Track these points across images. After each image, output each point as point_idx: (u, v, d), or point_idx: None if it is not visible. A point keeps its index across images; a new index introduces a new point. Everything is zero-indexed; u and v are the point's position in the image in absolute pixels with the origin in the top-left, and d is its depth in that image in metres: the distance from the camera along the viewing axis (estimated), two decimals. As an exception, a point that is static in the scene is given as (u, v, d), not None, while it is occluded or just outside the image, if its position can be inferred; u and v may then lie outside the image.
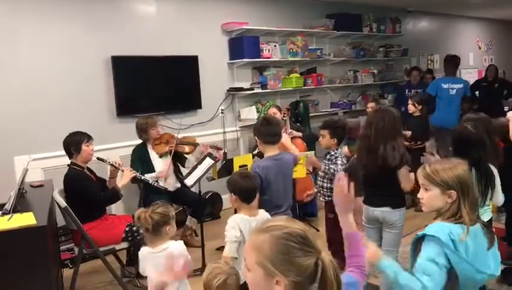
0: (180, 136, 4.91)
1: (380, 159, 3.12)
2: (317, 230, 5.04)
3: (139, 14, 5.36)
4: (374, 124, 3.18)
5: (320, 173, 3.94)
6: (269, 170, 3.25)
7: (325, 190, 3.88)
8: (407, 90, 7.52)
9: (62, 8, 4.76)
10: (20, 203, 3.22)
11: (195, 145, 4.89)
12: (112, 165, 4.12)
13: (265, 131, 3.34)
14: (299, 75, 6.72)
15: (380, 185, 3.24)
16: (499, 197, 2.97)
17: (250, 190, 2.89)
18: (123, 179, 4.02)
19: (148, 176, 4.54)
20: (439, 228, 1.94)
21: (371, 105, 5.82)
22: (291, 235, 1.33)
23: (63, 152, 3.93)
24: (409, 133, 5.31)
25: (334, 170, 3.72)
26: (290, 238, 1.32)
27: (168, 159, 4.78)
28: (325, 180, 3.86)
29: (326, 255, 1.32)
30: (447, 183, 1.98)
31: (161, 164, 4.79)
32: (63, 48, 4.78)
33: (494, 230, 3.31)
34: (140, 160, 4.71)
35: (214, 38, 6.00)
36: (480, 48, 11.42)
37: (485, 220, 2.91)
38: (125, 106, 5.19)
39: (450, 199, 1.99)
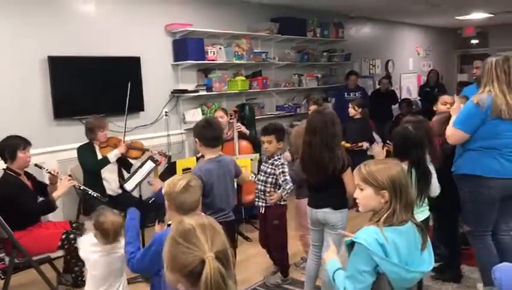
0: (125, 138, 4.78)
1: (323, 165, 3.14)
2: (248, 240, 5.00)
3: (78, 13, 5.16)
4: (318, 130, 3.17)
5: (261, 177, 3.86)
6: (211, 173, 3.21)
7: (264, 193, 3.79)
8: (346, 94, 7.77)
9: (-6, 4, 4.51)
10: None
11: (144, 150, 4.76)
12: (49, 173, 3.94)
13: (207, 134, 3.28)
14: (244, 78, 6.70)
15: (323, 188, 3.26)
16: (436, 189, 3.12)
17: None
18: (59, 189, 3.79)
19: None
20: (367, 235, 1.95)
21: (312, 108, 5.88)
22: (179, 231, 1.36)
23: (-5, 156, 3.71)
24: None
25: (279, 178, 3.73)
26: (177, 235, 1.35)
27: (114, 164, 4.68)
28: (267, 185, 3.80)
29: (212, 259, 1.28)
30: (379, 183, 2.00)
31: (107, 167, 4.65)
32: (-6, 47, 4.53)
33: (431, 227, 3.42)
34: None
35: (157, 39, 5.88)
36: (419, 54, 11.84)
37: (423, 218, 3.00)
38: (63, 108, 4.97)
39: (383, 199, 2.01)
